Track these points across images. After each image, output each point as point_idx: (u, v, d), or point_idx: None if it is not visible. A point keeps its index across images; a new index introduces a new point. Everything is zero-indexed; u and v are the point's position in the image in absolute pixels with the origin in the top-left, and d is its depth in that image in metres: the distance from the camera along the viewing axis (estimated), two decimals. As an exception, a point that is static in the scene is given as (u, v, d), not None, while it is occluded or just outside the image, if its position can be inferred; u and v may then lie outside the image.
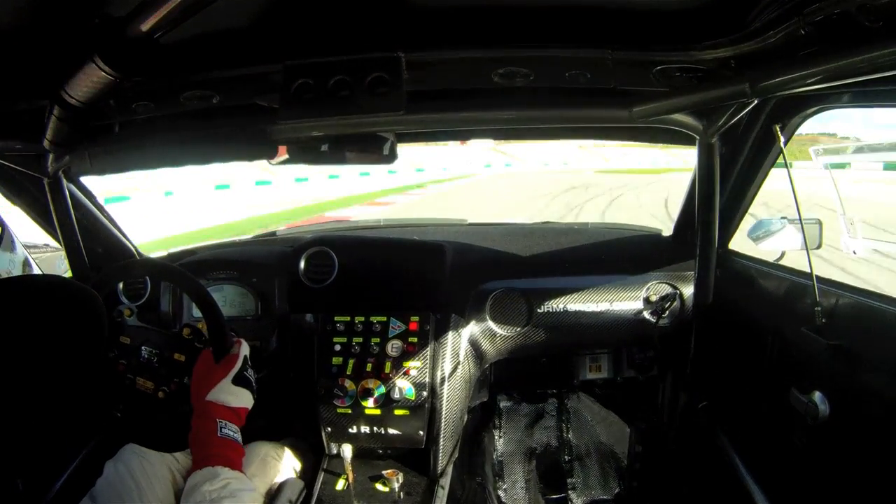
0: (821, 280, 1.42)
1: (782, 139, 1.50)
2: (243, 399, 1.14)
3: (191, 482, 1.03)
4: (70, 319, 0.80)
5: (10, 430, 0.73)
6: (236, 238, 2.38)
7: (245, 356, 1.19)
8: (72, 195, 1.76)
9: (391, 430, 1.69)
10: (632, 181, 23.66)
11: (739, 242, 1.91)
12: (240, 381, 1.14)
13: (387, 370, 1.68)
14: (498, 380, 2.36)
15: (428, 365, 1.69)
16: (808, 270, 1.43)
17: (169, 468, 1.47)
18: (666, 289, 1.93)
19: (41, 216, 1.82)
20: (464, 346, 1.82)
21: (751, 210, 1.83)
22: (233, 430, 1.10)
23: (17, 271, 1.95)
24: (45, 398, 0.76)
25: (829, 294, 1.39)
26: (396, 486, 1.61)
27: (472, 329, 1.87)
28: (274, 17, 1.04)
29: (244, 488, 1.04)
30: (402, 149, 1.39)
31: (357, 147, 1.39)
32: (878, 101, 1.22)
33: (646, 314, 1.92)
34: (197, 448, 1.07)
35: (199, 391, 1.13)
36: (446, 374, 1.72)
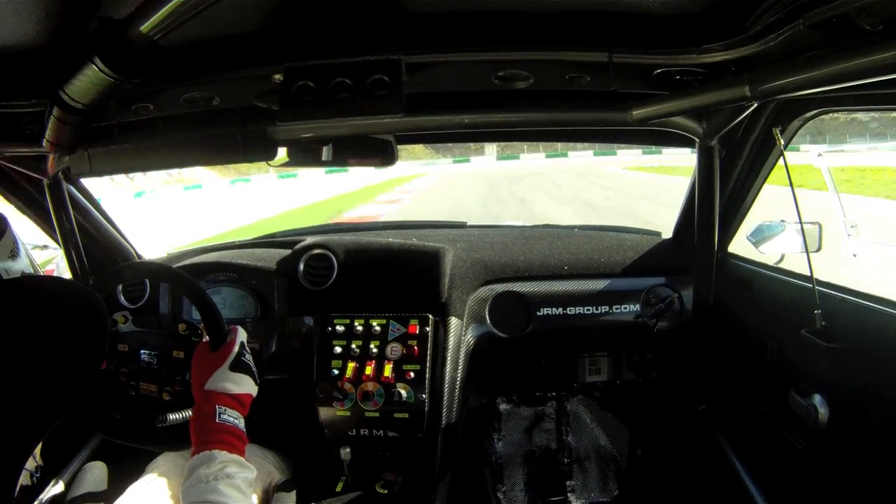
0: (820, 283, 1.42)
1: (782, 142, 1.50)
2: (244, 385, 1.12)
3: (188, 466, 1.02)
4: (73, 322, 0.80)
5: (10, 431, 0.73)
6: (235, 240, 2.38)
7: (242, 342, 1.16)
8: (71, 196, 1.76)
9: (390, 433, 1.68)
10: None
11: (738, 245, 1.91)
12: (238, 366, 1.12)
13: (386, 373, 1.67)
14: (497, 382, 2.36)
15: (427, 368, 1.68)
16: (808, 274, 1.43)
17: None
18: (665, 292, 1.93)
19: (40, 217, 1.81)
20: (463, 348, 1.82)
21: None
22: (233, 416, 1.08)
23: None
24: (46, 400, 0.76)
25: (828, 297, 1.39)
26: (395, 488, 1.60)
27: (471, 332, 1.87)
28: (274, 19, 1.03)
29: (241, 471, 1.03)
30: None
31: (356, 149, 1.39)
32: (877, 104, 1.22)
33: (645, 317, 1.92)
34: (195, 435, 1.05)
35: (198, 382, 1.11)
36: (445, 377, 1.72)
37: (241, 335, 1.18)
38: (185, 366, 1.21)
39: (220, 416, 1.06)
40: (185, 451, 1.26)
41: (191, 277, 1.25)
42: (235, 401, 1.10)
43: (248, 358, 1.16)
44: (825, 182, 4.54)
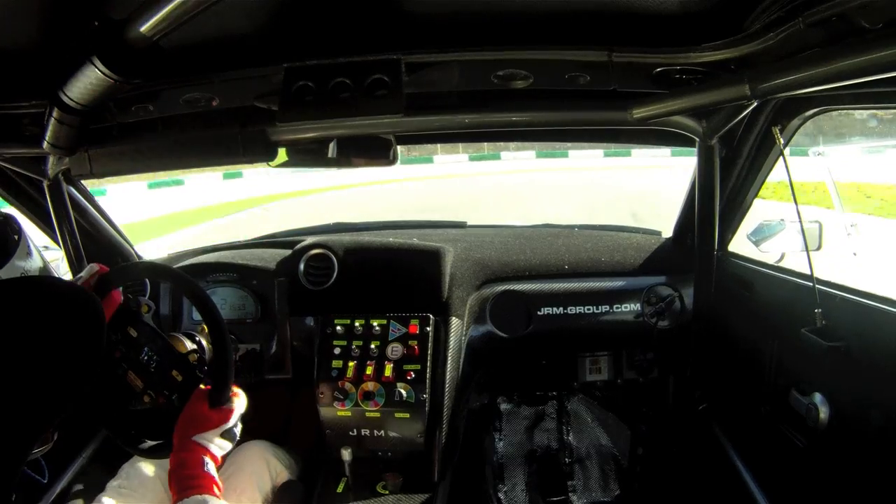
0: (821, 282, 1.41)
1: (782, 141, 1.50)
2: (224, 449, 1.15)
3: None
4: (69, 322, 0.79)
5: (6, 432, 0.73)
6: (235, 240, 2.38)
7: (240, 414, 1.17)
8: (71, 197, 1.76)
9: (391, 433, 1.68)
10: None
11: (738, 244, 1.91)
12: (227, 434, 1.14)
13: (387, 373, 1.67)
14: (498, 382, 2.36)
15: (428, 368, 1.68)
16: (809, 272, 1.43)
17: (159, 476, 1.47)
18: (666, 291, 1.93)
19: (41, 218, 1.81)
20: (464, 348, 1.82)
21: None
22: (213, 469, 1.10)
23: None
24: (42, 401, 0.76)
25: (829, 296, 1.39)
26: (396, 488, 1.60)
27: (471, 332, 1.87)
28: (274, 19, 1.03)
29: None
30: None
31: (356, 149, 1.39)
32: (878, 102, 1.22)
33: (646, 316, 1.92)
34: (182, 479, 1.06)
35: (186, 430, 1.11)
36: (446, 377, 1.72)
37: (241, 406, 1.17)
38: (177, 388, 1.20)
39: (206, 466, 1.07)
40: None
41: (202, 289, 1.22)
42: (215, 457, 1.12)
43: (238, 430, 1.17)
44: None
